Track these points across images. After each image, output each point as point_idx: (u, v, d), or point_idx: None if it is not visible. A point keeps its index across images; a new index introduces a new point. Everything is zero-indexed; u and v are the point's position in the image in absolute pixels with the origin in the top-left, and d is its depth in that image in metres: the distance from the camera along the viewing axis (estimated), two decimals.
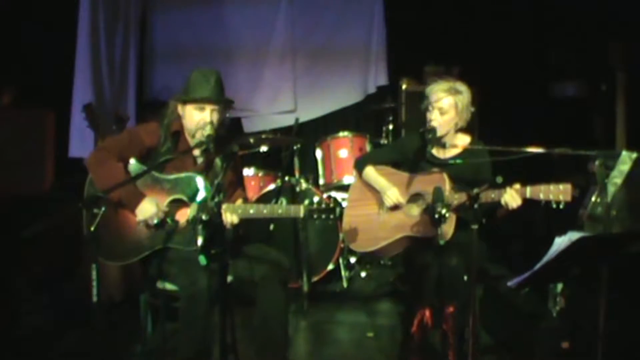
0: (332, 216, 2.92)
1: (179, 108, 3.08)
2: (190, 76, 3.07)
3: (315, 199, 4.37)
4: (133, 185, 2.96)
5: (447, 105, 3.28)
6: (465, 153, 3.37)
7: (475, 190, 2.70)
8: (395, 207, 3.35)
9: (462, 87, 3.32)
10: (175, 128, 3.10)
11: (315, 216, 2.93)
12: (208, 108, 3.02)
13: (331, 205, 2.95)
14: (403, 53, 5.78)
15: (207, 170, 3.11)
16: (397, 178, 3.42)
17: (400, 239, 3.30)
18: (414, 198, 3.35)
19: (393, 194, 3.34)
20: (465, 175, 3.26)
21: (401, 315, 4.07)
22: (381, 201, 3.42)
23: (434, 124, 3.30)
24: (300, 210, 2.93)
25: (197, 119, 3.02)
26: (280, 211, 3.00)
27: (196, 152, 3.12)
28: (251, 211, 2.95)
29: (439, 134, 3.31)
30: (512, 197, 2.94)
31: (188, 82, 3.06)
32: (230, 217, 2.89)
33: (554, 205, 2.88)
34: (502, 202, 2.95)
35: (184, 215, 3.03)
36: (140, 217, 2.96)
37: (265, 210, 2.97)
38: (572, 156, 3.11)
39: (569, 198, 2.87)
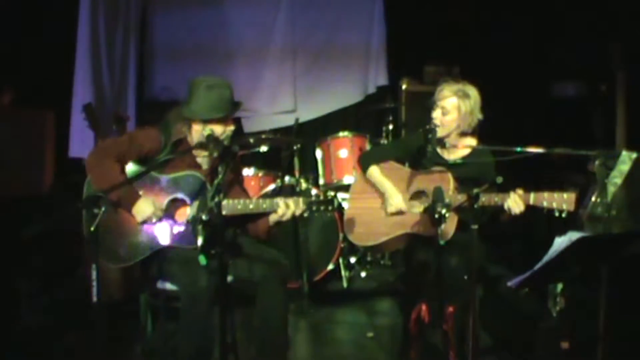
0: (330, 207, 2.92)
1: (197, 125, 3.03)
2: (202, 93, 3.00)
3: (313, 191, 4.36)
4: (129, 186, 2.95)
5: (450, 106, 3.27)
6: (472, 156, 3.35)
7: (475, 190, 2.70)
8: (398, 213, 3.34)
9: (472, 91, 3.28)
10: (178, 136, 3.08)
11: (314, 208, 2.92)
12: (230, 119, 3.06)
13: (329, 197, 2.94)
14: (403, 53, 5.78)
15: (210, 172, 3.10)
16: (400, 174, 3.41)
17: (400, 236, 3.30)
18: (417, 195, 3.35)
19: (397, 202, 3.32)
20: (469, 177, 3.24)
21: (401, 314, 4.06)
22: (384, 196, 3.41)
23: (436, 122, 3.30)
24: (300, 203, 2.93)
25: (221, 130, 3.02)
26: (280, 205, 2.98)
27: (200, 153, 3.12)
28: (251, 206, 2.95)
29: (440, 134, 3.30)
30: (515, 203, 2.93)
31: (200, 98, 3.00)
32: None
33: (557, 214, 2.86)
34: (505, 206, 2.94)
35: (183, 215, 3.03)
36: (139, 219, 2.95)
37: (265, 204, 2.97)
38: (572, 156, 3.10)
39: (572, 208, 2.84)
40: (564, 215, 2.85)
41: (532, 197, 2.91)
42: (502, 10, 5.46)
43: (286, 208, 2.92)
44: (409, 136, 4.60)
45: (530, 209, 2.94)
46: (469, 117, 3.29)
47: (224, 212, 2.66)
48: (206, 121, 3.00)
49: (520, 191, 2.94)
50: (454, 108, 3.27)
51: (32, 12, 4.86)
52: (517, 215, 2.96)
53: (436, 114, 3.30)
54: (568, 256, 2.33)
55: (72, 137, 4.67)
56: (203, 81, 3.03)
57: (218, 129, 3.01)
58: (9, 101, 4.66)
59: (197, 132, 3.05)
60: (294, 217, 2.98)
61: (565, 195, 2.85)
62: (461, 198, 3.07)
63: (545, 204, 2.88)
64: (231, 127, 3.05)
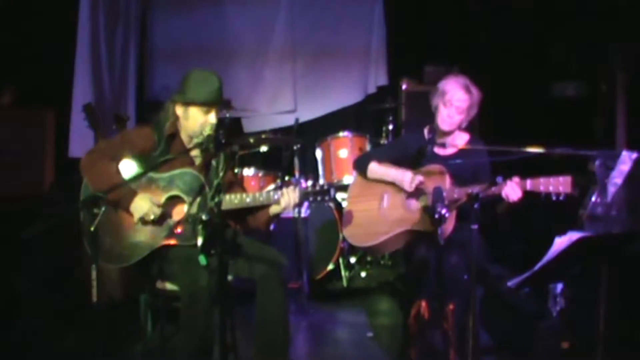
0: (327, 197, 2.93)
1: (179, 110, 3.08)
2: (189, 77, 3.07)
3: (309, 182, 4.36)
4: (126, 185, 2.95)
5: (465, 105, 3.28)
6: (464, 151, 3.36)
7: (476, 190, 2.70)
8: (418, 189, 3.29)
9: (474, 87, 3.33)
10: (171, 130, 3.09)
11: (311, 199, 2.94)
12: (213, 110, 3.04)
13: (325, 187, 2.95)
14: (403, 53, 5.78)
15: (206, 170, 3.11)
16: None
17: (400, 234, 3.30)
18: (414, 193, 3.35)
19: (412, 178, 3.26)
20: (464, 173, 3.26)
21: (401, 314, 4.07)
22: (382, 196, 3.41)
23: (452, 120, 3.29)
24: (297, 192, 2.94)
25: (202, 120, 3.03)
26: (276, 197, 2.99)
27: (194, 152, 3.12)
28: (248, 200, 2.96)
29: (448, 129, 3.31)
30: (512, 189, 2.94)
31: (187, 82, 3.06)
32: None
33: (554, 198, 2.88)
34: (503, 194, 2.95)
35: (180, 212, 3.03)
36: (137, 215, 2.96)
37: (261, 197, 2.97)
38: (572, 156, 3.11)
39: (569, 189, 2.87)
40: (561, 198, 2.87)
41: (529, 183, 2.94)
42: (502, 10, 5.46)
43: (284, 197, 2.94)
44: (405, 137, 4.58)
45: (528, 197, 2.95)
46: (472, 112, 3.33)
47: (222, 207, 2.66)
48: (188, 104, 3.02)
49: (516, 178, 2.95)
50: (467, 107, 3.29)
51: (33, 12, 4.87)
52: (515, 204, 2.97)
53: (451, 112, 3.29)
54: (568, 256, 2.34)
55: (72, 137, 4.68)
56: (194, 72, 3.09)
57: (199, 116, 3.02)
58: (9, 101, 4.66)
59: (181, 116, 3.05)
60: (294, 219, 2.98)
61: (560, 179, 2.87)
62: (458, 192, 3.08)
63: (542, 188, 2.90)
64: (213, 120, 3.05)
